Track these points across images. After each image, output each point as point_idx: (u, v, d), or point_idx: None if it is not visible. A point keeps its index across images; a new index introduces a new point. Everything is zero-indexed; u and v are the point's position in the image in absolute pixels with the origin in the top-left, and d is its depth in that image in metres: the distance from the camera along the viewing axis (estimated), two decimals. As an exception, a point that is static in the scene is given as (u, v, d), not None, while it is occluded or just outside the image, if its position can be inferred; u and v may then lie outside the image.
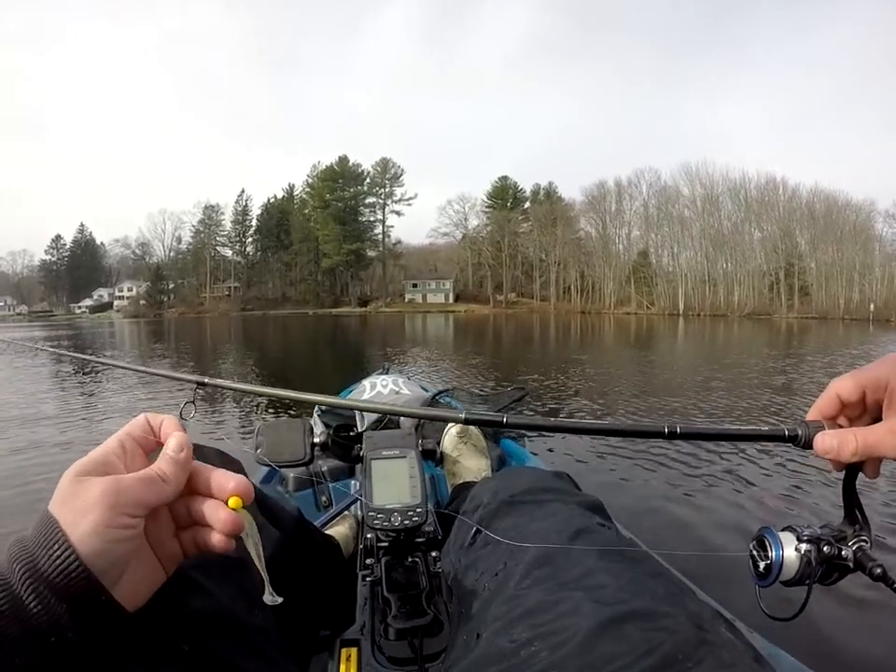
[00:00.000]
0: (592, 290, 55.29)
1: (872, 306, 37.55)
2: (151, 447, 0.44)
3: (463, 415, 0.64)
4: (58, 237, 72.46)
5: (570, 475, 0.91)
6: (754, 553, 0.52)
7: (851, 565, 0.47)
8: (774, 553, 0.49)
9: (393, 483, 0.91)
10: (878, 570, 0.45)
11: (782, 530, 0.51)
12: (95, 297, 70.80)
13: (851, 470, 0.50)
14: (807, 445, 0.50)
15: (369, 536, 0.95)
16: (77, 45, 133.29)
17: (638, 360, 10.00)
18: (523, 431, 1.67)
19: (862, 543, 0.48)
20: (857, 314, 38.73)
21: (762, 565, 0.50)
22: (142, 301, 63.77)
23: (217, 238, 67.89)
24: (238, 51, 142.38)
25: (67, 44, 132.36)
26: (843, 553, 0.48)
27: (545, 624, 0.50)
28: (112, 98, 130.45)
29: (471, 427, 1.28)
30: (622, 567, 0.57)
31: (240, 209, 67.33)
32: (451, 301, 58.93)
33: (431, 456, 1.19)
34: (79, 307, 69.64)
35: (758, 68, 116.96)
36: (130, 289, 68.18)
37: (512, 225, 58.79)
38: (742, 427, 0.56)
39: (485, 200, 63.25)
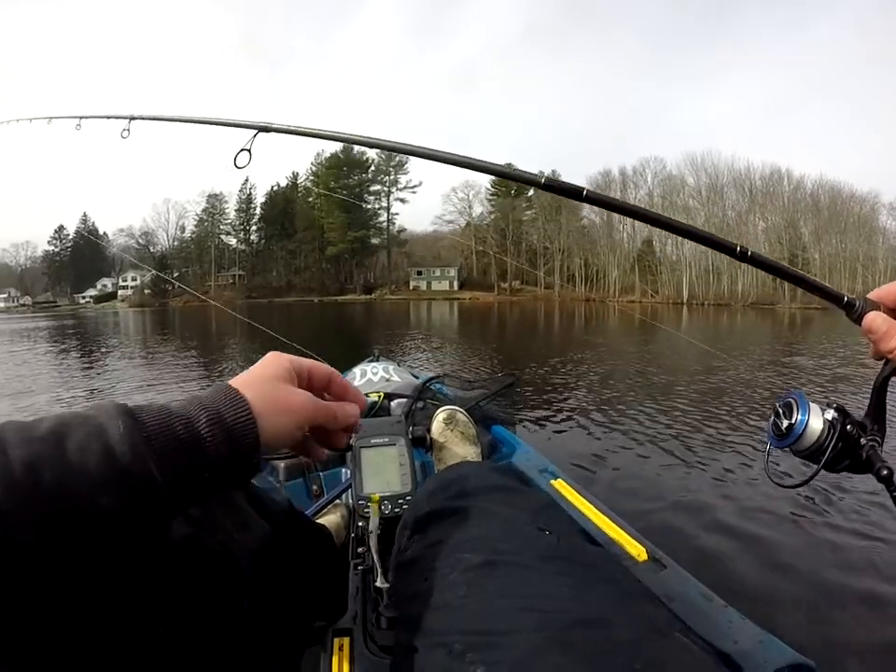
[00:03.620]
0: (596, 278, 54.97)
1: (875, 298, 37.27)
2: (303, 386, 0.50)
3: (543, 180, 0.61)
4: (61, 227, 72.07)
5: (519, 468, 0.86)
6: (780, 410, 0.50)
7: (864, 455, 0.47)
8: (800, 417, 0.48)
9: (383, 471, 0.91)
10: (885, 472, 0.45)
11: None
12: (99, 287, 70.47)
13: (887, 368, 0.49)
14: (858, 320, 0.49)
15: (360, 524, 0.95)
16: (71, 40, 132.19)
17: (640, 348, 9.97)
18: (513, 421, 1.66)
19: (875, 443, 0.47)
20: (861, 305, 38.50)
21: (784, 424, 0.49)
22: (146, 291, 63.65)
23: (222, 226, 67.70)
24: (228, 47, 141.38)
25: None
26: (861, 440, 0.47)
27: (482, 636, 0.47)
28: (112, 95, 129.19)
29: (459, 414, 1.26)
30: (570, 573, 0.53)
31: (244, 197, 67.10)
32: (455, 288, 58.61)
33: (422, 443, 1.18)
34: (83, 297, 69.39)
35: (754, 64, 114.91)
36: (134, 279, 67.84)
37: (517, 213, 58.42)
38: (807, 276, 0.53)
39: (489, 188, 62.72)
